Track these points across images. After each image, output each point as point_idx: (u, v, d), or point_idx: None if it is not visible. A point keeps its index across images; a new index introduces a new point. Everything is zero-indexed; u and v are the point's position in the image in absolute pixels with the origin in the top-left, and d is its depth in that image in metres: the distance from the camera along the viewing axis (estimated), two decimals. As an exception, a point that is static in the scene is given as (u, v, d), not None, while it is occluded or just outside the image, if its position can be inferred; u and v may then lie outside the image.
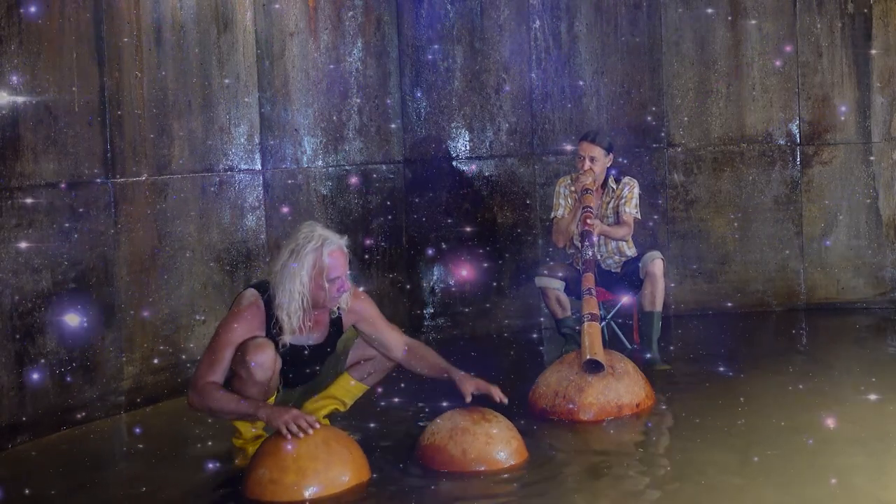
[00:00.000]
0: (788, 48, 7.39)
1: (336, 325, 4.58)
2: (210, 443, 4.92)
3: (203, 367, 4.32)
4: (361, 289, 4.79)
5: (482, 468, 4.37)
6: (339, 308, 4.53)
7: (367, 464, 4.36)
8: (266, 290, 4.39)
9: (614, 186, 6.22)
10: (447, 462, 4.39)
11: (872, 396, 5.27)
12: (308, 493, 4.10)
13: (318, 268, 4.32)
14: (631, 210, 6.16)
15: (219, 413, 4.32)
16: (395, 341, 4.65)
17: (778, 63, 7.40)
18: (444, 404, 4.81)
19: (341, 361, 4.73)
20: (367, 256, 6.81)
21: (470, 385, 4.54)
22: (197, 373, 4.34)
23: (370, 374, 4.73)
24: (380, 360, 4.72)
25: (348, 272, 4.43)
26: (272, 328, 4.36)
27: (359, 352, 4.73)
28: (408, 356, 4.66)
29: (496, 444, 4.43)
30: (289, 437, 4.14)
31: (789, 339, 6.91)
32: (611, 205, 6.22)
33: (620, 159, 6.91)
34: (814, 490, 4.06)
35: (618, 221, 6.18)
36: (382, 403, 5.21)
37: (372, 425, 5.01)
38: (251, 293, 4.42)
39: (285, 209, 6.31)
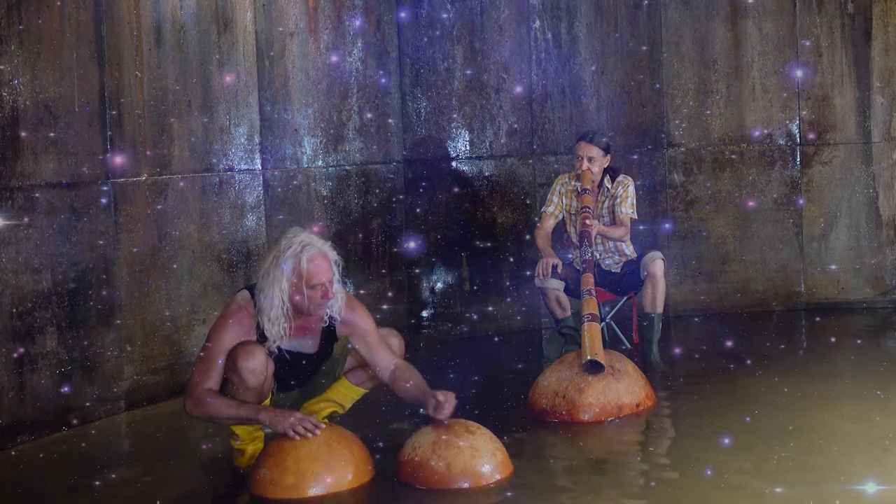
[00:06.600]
0: (788, 48, 7.39)
1: (329, 336, 4.51)
2: (210, 443, 4.92)
3: (197, 374, 4.30)
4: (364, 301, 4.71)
5: (467, 484, 4.18)
6: (331, 318, 4.45)
7: (371, 462, 4.35)
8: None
9: (609, 186, 6.23)
10: (430, 478, 4.19)
11: (873, 396, 5.27)
12: (309, 494, 4.11)
13: (297, 274, 4.24)
14: (627, 210, 6.15)
15: (218, 420, 4.29)
16: (385, 362, 4.50)
17: (778, 63, 7.40)
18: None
19: (339, 366, 4.70)
20: (366, 256, 6.81)
21: (433, 402, 4.30)
22: (191, 380, 4.31)
23: (369, 378, 4.66)
24: None
25: (335, 279, 4.33)
26: (261, 333, 4.34)
27: (357, 357, 4.68)
28: (392, 377, 4.48)
29: (482, 457, 4.22)
30: (297, 438, 4.15)
31: (789, 339, 6.91)
32: (605, 204, 6.22)
33: (621, 160, 6.93)
34: (815, 489, 4.06)
35: (613, 221, 6.18)
36: (383, 408, 5.19)
37: (369, 428, 5.00)
38: (242, 296, 4.38)
39: (285, 209, 6.31)
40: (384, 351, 4.53)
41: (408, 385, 4.43)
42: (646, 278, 5.99)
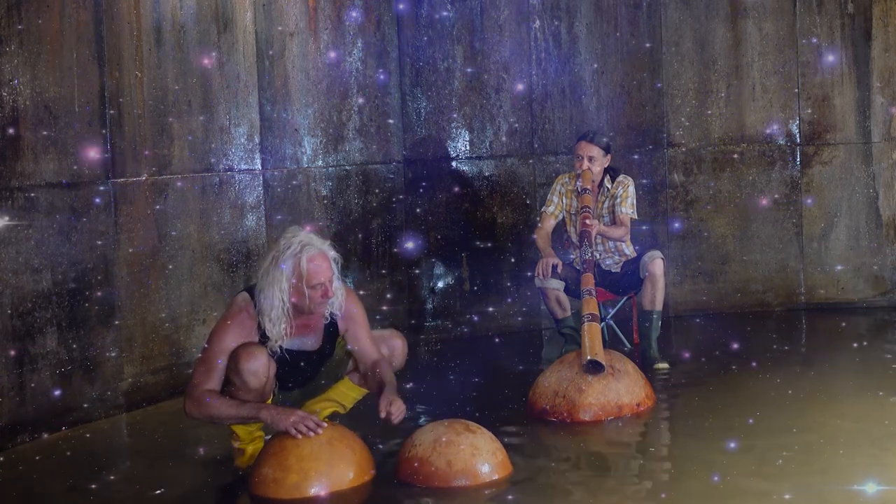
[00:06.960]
0: (788, 48, 7.39)
1: (331, 332, 4.52)
2: (210, 443, 4.92)
3: (198, 375, 4.29)
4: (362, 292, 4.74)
5: (466, 482, 4.18)
6: (331, 314, 4.45)
7: (372, 462, 4.35)
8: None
9: (609, 186, 6.23)
10: (430, 476, 4.20)
11: (874, 396, 5.26)
12: (311, 493, 4.11)
13: (297, 274, 4.24)
14: (626, 210, 6.15)
15: (219, 420, 4.29)
16: (368, 357, 4.53)
17: (778, 63, 7.40)
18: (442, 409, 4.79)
19: (342, 366, 4.69)
20: (366, 256, 6.81)
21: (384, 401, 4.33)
22: (192, 381, 4.31)
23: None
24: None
25: (335, 277, 4.34)
26: (262, 334, 4.33)
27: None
28: (365, 371, 4.53)
29: (482, 456, 4.24)
30: (299, 436, 4.15)
31: (790, 340, 6.91)
32: (605, 204, 6.22)
33: (621, 160, 6.93)
34: (816, 489, 4.06)
35: (613, 221, 6.18)
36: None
37: (370, 428, 4.99)
38: (242, 298, 4.38)
39: (285, 209, 6.31)
40: (372, 348, 4.55)
41: (374, 383, 4.46)
42: (646, 278, 5.99)
